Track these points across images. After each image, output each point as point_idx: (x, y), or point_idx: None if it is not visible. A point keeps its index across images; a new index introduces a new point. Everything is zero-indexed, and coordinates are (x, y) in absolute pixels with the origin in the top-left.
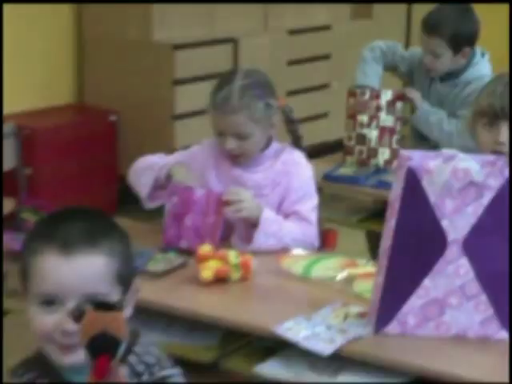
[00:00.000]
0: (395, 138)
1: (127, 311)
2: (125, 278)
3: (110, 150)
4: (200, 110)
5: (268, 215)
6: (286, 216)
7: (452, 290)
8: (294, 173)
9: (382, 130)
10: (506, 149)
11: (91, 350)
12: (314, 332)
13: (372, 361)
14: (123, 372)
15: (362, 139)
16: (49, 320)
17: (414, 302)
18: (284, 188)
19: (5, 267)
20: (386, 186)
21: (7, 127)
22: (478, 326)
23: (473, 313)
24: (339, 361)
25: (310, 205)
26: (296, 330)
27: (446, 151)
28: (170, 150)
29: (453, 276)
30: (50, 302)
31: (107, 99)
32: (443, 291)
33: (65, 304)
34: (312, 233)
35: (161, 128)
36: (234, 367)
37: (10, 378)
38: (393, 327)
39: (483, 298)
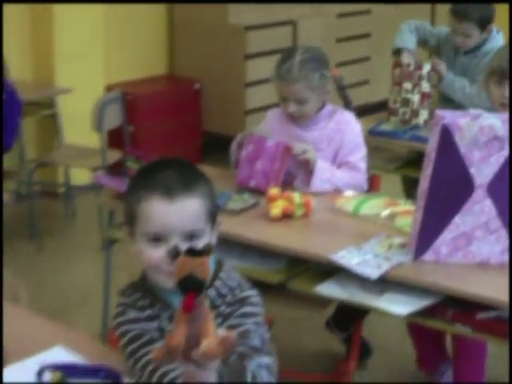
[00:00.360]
0: (429, 101)
1: (213, 239)
2: (213, 216)
3: (195, 112)
4: (266, 79)
5: (322, 165)
6: (340, 166)
7: (478, 226)
8: (345, 130)
9: (423, 95)
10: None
11: (181, 288)
12: (363, 259)
13: (411, 283)
14: (207, 308)
15: (406, 102)
16: (157, 254)
17: (446, 235)
18: (337, 143)
19: (113, 205)
20: (419, 139)
21: (115, 93)
22: (498, 254)
23: (494, 244)
24: (384, 283)
25: (359, 155)
26: (349, 258)
27: (472, 111)
28: (242, 111)
29: (479, 214)
30: (156, 239)
31: (193, 71)
32: (470, 226)
33: (169, 240)
34: (361, 178)
35: (235, 94)
36: (298, 287)
37: (119, 297)
38: (428, 255)
39: (503, 232)
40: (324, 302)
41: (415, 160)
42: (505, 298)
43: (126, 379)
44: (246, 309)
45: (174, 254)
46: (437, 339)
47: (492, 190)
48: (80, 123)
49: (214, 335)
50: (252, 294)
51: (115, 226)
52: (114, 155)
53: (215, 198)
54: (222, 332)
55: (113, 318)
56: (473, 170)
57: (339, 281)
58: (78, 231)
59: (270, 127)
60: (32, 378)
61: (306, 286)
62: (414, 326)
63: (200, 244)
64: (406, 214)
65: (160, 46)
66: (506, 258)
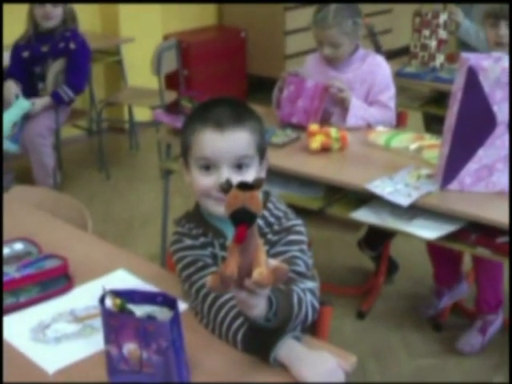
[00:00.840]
0: (445, 46)
1: (262, 174)
2: (261, 149)
3: (241, 57)
4: (303, 28)
5: (356, 103)
6: (371, 104)
7: (498, 158)
8: (377, 71)
9: (439, 41)
10: (505, 40)
11: (233, 220)
12: (395, 188)
13: (437, 210)
14: (259, 239)
15: (424, 47)
16: (207, 180)
17: (470, 166)
18: (369, 83)
19: (170, 140)
20: (439, 80)
21: (171, 41)
22: None
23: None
24: (413, 210)
25: (388, 94)
26: (382, 187)
27: (494, 54)
28: (282, 56)
29: (500, 148)
30: (207, 166)
31: (239, 21)
32: (492, 159)
33: (219, 168)
34: (390, 115)
35: (276, 41)
36: (336, 213)
37: (174, 226)
38: (454, 185)
39: None
40: (357, 225)
41: (436, 98)
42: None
43: (181, 304)
44: (292, 237)
45: (227, 186)
46: (452, 261)
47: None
48: (141, 68)
49: (265, 265)
50: (297, 223)
51: (172, 158)
52: (171, 95)
53: (264, 134)
54: (273, 262)
55: (170, 245)
56: (495, 108)
57: (372, 208)
58: (140, 162)
59: (308, 71)
60: (97, 297)
61: (342, 212)
62: (433, 247)
63: (248, 174)
64: (433, 147)
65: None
66: None
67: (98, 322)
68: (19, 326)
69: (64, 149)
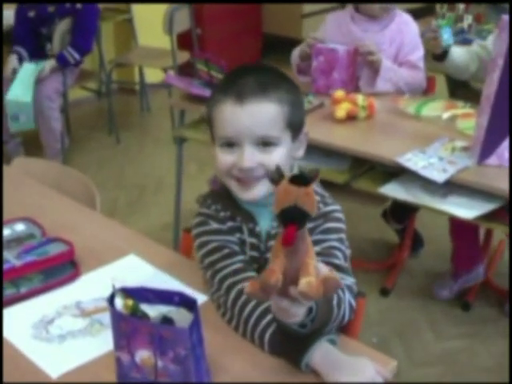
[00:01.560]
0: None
1: (298, 153)
2: (294, 124)
3: (256, 15)
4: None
5: (386, 64)
6: (400, 65)
7: None
8: (405, 30)
9: (468, 1)
10: None
11: (282, 219)
12: (429, 162)
13: (475, 187)
14: (309, 240)
15: (452, 8)
16: (229, 158)
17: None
18: (398, 43)
19: (184, 105)
20: (468, 41)
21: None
22: None
23: None
24: (447, 185)
25: (418, 54)
26: (414, 161)
27: None
28: (299, 15)
29: None
30: (229, 144)
31: None
32: None
33: (242, 145)
34: (420, 77)
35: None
36: (363, 187)
37: (198, 206)
38: (492, 160)
39: None
40: (383, 198)
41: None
42: None
43: (200, 296)
44: (330, 224)
45: (277, 176)
46: (475, 242)
47: None
48: (152, 27)
49: (314, 274)
50: (336, 208)
51: (186, 125)
52: (184, 56)
53: (299, 104)
54: (324, 269)
55: (193, 227)
56: None
57: (402, 182)
58: (151, 125)
59: (330, 32)
60: (106, 287)
61: (370, 187)
62: (457, 226)
63: (276, 154)
64: (467, 116)
65: None
66: None
67: (108, 317)
68: (19, 322)
69: (72, 112)
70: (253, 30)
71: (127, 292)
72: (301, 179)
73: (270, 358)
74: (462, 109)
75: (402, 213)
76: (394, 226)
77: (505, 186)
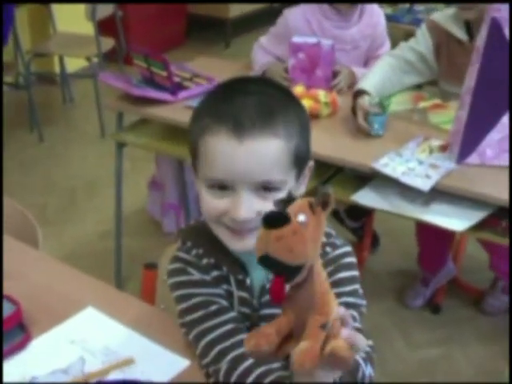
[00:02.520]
0: None
1: (302, 189)
2: (301, 159)
3: None
4: None
5: (358, 71)
6: (369, 59)
7: None
8: (378, 23)
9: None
10: None
11: (267, 269)
12: (408, 167)
13: (461, 194)
14: (319, 289)
15: None
16: (219, 204)
17: (493, 136)
18: (372, 37)
19: (122, 108)
20: (418, 22)
21: None
22: None
23: None
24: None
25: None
26: (392, 166)
27: None
28: None
29: None
30: (221, 187)
31: None
32: None
33: (237, 191)
34: None
35: None
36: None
37: (176, 246)
38: (473, 158)
39: None
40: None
41: None
42: None
43: (181, 361)
44: (343, 274)
45: (271, 219)
46: (442, 242)
47: None
48: (71, 12)
49: (318, 338)
50: (347, 250)
51: (125, 128)
52: (108, 42)
53: (308, 135)
54: (342, 334)
55: (167, 275)
56: None
57: (376, 188)
58: (76, 118)
59: (296, 27)
60: (63, 355)
61: (340, 194)
62: (423, 227)
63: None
64: (437, 108)
65: None
66: None
67: None
68: None
69: None
70: (177, 10)
71: None
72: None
73: None
74: (430, 100)
75: (358, 211)
76: (350, 225)
77: (491, 190)
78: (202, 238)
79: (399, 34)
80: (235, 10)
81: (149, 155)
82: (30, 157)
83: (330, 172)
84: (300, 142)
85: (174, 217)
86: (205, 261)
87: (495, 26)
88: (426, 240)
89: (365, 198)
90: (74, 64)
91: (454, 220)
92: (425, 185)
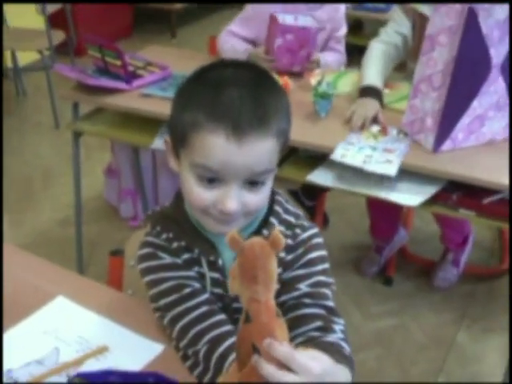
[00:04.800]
0: None
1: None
2: (285, 145)
3: None
4: None
5: (323, 58)
6: (329, 39)
7: (490, 105)
8: (339, 6)
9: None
10: None
11: None
12: (366, 155)
13: (421, 171)
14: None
15: None
16: (208, 196)
17: (464, 120)
18: (334, 20)
19: (77, 98)
20: (364, 8)
21: None
22: (502, 130)
23: (501, 120)
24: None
25: (344, 30)
26: (351, 155)
27: None
28: None
29: (492, 94)
30: (210, 179)
31: None
32: (484, 108)
33: (227, 184)
34: (343, 54)
35: None
36: (290, 176)
37: (144, 233)
38: (447, 145)
39: (507, 108)
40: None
41: (358, 26)
42: (505, 180)
43: (155, 346)
44: (313, 254)
45: None
46: (393, 213)
47: (503, 68)
48: (19, 7)
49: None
50: (315, 232)
51: (81, 117)
52: (58, 35)
53: (290, 120)
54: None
55: (137, 261)
56: (492, 51)
57: (330, 168)
58: (30, 110)
59: (266, 10)
60: (36, 345)
61: (296, 175)
62: (373, 200)
63: (262, 191)
64: (389, 88)
65: None
66: (506, 132)
67: None
68: None
69: None
70: (123, 3)
71: (86, 377)
72: None
73: None
74: None
75: (314, 190)
76: (306, 204)
77: (440, 166)
78: (171, 223)
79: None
80: (180, 2)
81: (103, 144)
82: None
83: (286, 153)
84: (287, 132)
85: (130, 202)
86: (175, 244)
87: (471, 15)
88: (376, 211)
89: (320, 177)
90: (26, 58)
91: (407, 196)
92: (391, 170)
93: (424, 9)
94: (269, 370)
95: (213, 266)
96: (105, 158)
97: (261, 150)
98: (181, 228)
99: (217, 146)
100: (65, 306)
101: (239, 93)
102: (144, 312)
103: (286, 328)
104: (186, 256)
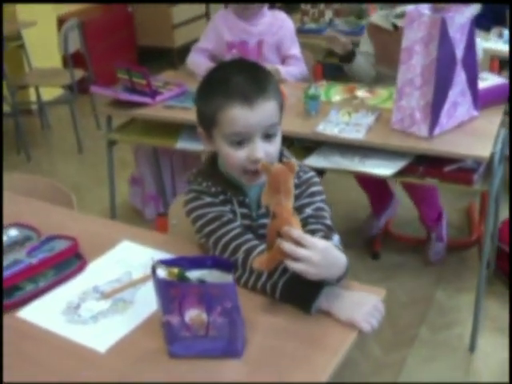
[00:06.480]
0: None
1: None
2: (282, 105)
3: (130, 30)
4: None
5: (282, 69)
6: (284, 58)
7: (458, 93)
8: (284, 26)
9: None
10: None
11: None
12: (340, 128)
13: (388, 148)
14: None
15: (314, 5)
16: (241, 154)
17: (445, 107)
18: (279, 36)
19: (110, 112)
20: (342, 32)
21: (73, 21)
22: (466, 113)
23: (466, 105)
24: (362, 151)
25: (297, 47)
26: (329, 129)
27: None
28: (170, 25)
29: (459, 84)
30: (239, 142)
31: None
32: (455, 96)
33: (252, 140)
34: (305, 68)
35: (163, 12)
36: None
37: (188, 184)
38: (437, 130)
39: (469, 93)
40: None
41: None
42: (464, 151)
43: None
44: (313, 188)
45: None
46: (382, 186)
47: (465, 63)
48: (41, 50)
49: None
50: (313, 174)
51: (115, 129)
52: (78, 73)
53: (280, 91)
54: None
55: (185, 203)
56: (457, 51)
57: (322, 153)
58: (55, 140)
59: (219, 27)
60: (114, 271)
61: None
62: (361, 179)
63: (276, 141)
64: (369, 93)
65: None
66: (470, 113)
67: (127, 295)
68: (49, 312)
69: None
70: (128, 43)
71: (165, 262)
72: None
73: (282, 306)
74: (361, 89)
75: None
76: None
77: (408, 142)
78: (209, 176)
79: (322, 44)
80: (179, 40)
81: (125, 159)
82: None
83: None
84: (280, 95)
85: (153, 206)
86: (213, 189)
87: (443, 25)
88: (368, 186)
89: (315, 161)
90: (47, 95)
91: (382, 169)
92: (358, 135)
93: (399, 22)
94: (288, 246)
95: (241, 204)
96: (123, 174)
97: (267, 109)
98: (216, 179)
99: (237, 114)
100: (129, 246)
101: (242, 76)
102: (187, 247)
103: (300, 223)
104: (221, 197)
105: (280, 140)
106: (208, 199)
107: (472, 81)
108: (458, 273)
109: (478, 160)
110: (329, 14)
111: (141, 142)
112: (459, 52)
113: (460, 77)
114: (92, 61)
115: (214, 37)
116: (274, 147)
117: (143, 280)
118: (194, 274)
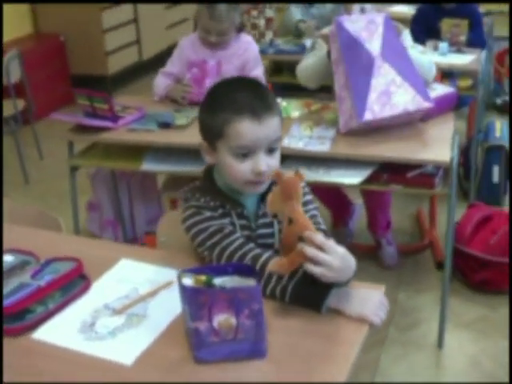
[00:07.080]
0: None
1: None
2: (282, 121)
3: (63, 60)
4: (119, 25)
5: None
6: None
7: (388, 83)
8: (250, 48)
9: (267, 20)
10: None
11: None
12: (305, 142)
13: (353, 158)
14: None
15: (254, 26)
16: (245, 167)
17: (372, 96)
18: (244, 58)
19: (72, 137)
20: (283, 52)
21: (14, 52)
22: (411, 101)
23: (406, 94)
24: (326, 162)
25: (261, 69)
26: (294, 143)
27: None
28: (102, 53)
29: (385, 75)
30: (244, 154)
31: (56, 26)
32: (384, 85)
33: (257, 153)
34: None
35: (95, 40)
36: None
37: (183, 201)
38: (367, 115)
39: (406, 85)
40: None
41: (279, 66)
42: (427, 157)
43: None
44: (307, 197)
45: None
46: (341, 197)
47: (385, 56)
48: None
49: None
50: (304, 184)
51: (78, 155)
52: (19, 103)
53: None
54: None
55: (184, 220)
56: (368, 45)
57: (288, 167)
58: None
59: (185, 52)
60: (120, 288)
61: None
62: (321, 192)
63: (277, 155)
64: (326, 109)
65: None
66: (418, 104)
67: (139, 310)
68: (65, 331)
69: None
70: (62, 72)
71: (191, 271)
72: None
73: (294, 309)
74: (317, 103)
75: None
76: None
77: (372, 151)
78: (206, 191)
79: (266, 62)
80: (113, 67)
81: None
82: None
83: None
84: (281, 112)
85: (111, 231)
86: (212, 204)
87: (339, 25)
88: (328, 200)
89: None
90: None
91: (349, 178)
92: (323, 148)
93: None
94: (312, 251)
95: (240, 215)
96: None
97: (273, 125)
98: (214, 193)
99: (246, 128)
100: (128, 264)
101: (249, 92)
102: (186, 261)
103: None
104: (220, 211)
105: (279, 154)
106: (208, 213)
107: (407, 73)
108: (415, 275)
109: (440, 165)
110: (269, 35)
111: (105, 166)
112: (373, 48)
113: (384, 69)
114: (28, 91)
115: (179, 61)
116: (275, 160)
117: (152, 294)
118: (217, 281)
